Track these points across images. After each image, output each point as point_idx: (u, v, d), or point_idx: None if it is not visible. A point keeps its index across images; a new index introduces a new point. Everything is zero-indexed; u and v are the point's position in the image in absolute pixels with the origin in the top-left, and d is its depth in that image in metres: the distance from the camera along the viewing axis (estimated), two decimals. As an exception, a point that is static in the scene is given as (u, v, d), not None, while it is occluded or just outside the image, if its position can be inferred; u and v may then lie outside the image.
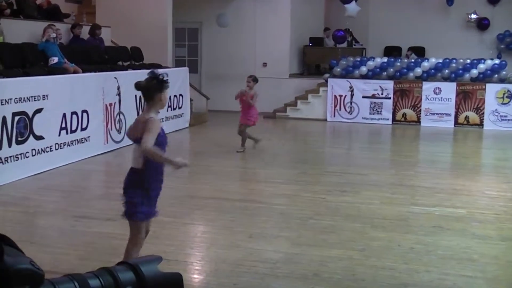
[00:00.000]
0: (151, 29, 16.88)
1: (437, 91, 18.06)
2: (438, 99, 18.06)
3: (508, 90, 17.80)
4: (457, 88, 18.01)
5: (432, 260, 6.29)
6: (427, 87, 18.13)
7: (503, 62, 18.67)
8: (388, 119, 18.29)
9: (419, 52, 21.65)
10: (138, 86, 5.25)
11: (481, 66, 18.36)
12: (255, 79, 12.53)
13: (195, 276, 5.97)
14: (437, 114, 18.05)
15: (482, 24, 22.48)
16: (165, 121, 15.19)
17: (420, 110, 18.10)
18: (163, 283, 1.63)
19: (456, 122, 17.92)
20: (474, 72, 18.26)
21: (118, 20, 16.78)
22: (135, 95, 13.74)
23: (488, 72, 18.30)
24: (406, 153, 13.84)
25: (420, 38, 21.93)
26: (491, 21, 22.36)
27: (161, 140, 5.15)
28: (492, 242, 7.07)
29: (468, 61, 18.64)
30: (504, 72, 18.31)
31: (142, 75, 14.15)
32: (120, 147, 12.74)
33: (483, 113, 17.88)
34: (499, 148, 15.24)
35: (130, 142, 12.33)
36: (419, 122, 18.08)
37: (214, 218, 8.01)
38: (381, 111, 18.31)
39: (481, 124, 17.85)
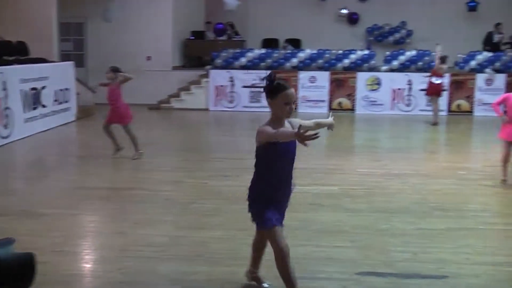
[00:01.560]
0: (36, 23, 16.30)
1: (312, 79, 18.44)
2: (313, 87, 18.45)
3: (377, 78, 18.44)
4: (331, 77, 18.48)
5: (307, 235, 6.39)
6: (303, 76, 18.47)
7: (372, 53, 19.34)
8: (266, 107, 18.40)
9: (295, 43, 21.99)
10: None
11: (352, 56, 18.95)
12: (114, 69, 10.76)
13: (82, 265, 5.79)
14: (313, 101, 18.43)
15: (352, 19, 23.11)
16: (52, 115, 14.72)
17: (297, 98, 18.40)
18: (15, 262, 1.55)
19: (330, 108, 18.36)
20: (346, 62, 18.80)
21: (2, 14, 16.08)
22: (20, 90, 13.21)
23: (359, 61, 18.89)
24: (284, 137, 13.97)
25: (296, 31, 22.26)
26: (361, 16, 23.03)
27: (281, 148, 4.39)
28: (363, 214, 7.28)
29: (340, 52, 19.15)
30: (373, 62, 18.98)
31: (27, 69, 13.82)
32: (8, 142, 12.23)
33: (355, 98, 18.43)
34: (370, 130, 15.75)
35: (19, 136, 11.78)
36: (296, 109, 18.34)
37: (101, 208, 7.81)
38: (260, 100, 18.48)
39: (353, 109, 18.39)
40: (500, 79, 18.56)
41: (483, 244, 6.34)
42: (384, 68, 18.82)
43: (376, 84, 18.46)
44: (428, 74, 16.69)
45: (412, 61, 18.93)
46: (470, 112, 18.60)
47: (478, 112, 18.47)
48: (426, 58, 18.96)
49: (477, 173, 10.02)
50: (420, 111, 18.22)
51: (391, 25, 22.96)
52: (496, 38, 20.24)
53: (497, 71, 18.75)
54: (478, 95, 18.58)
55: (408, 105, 18.45)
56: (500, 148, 9.29)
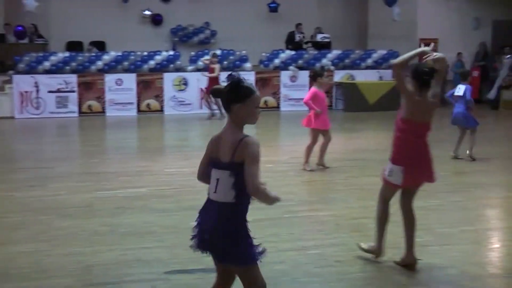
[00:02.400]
0: None
1: (119, 82, 18.24)
2: (121, 89, 18.26)
3: (184, 78, 18.65)
4: (137, 79, 18.40)
5: (115, 239, 6.31)
6: (109, 79, 18.23)
7: (177, 53, 19.49)
8: (74, 112, 18.03)
9: (100, 46, 21.59)
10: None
11: (158, 58, 18.98)
12: None
13: None
14: (121, 103, 18.24)
15: (156, 20, 23.17)
16: None
17: (105, 101, 18.13)
18: None
19: (139, 110, 18.33)
20: (152, 63, 18.80)
21: None
22: None
23: (165, 62, 18.95)
24: (93, 142, 13.73)
25: (100, 33, 21.81)
26: (164, 17, 23.13)
27: None
28: (171, 213, 7.34)
29: (146, 53, 19.10)
30: (179, 62, 19.13)
31: None
32: None
33: (163, 99, 18.50)
34: (179, 130, 15.92)
35: None
36: (104, 112, 18.12)
37: None
38: (67, 105, 17.97)
39: (162, 110, 18.45)
40: (304, 76, 19.53)
41: (288, 231, 6.64)
42: (190, 68, 19.04)
43: (184, 84, 18.65)
44: (207, 73, 17.09)
45: (218, 60, 19.28)
46: (277, 107, 19.36)
47: (284, 107, 19.35)
48: (231, 57, 19.45)
49: (284, 165, 10.48)
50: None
51: (195, 25, 23.32)
52: (298, 37, 21.25)
53: (300, 68, 19.72)
54: (283, 91, 19.44)
55: (216, 103, 18.80)
56: (308, 138, 9.88)
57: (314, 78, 10.07)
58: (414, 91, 5.31)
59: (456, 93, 10.92)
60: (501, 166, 10.71)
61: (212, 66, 16.84)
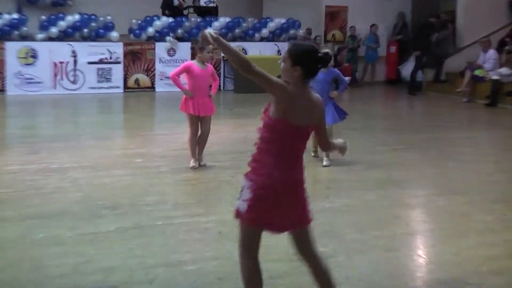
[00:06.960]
0: None
1: None
2: None
3: (32, 49, 18.14)
4: (-31, 48, 17.86)
5: None
6: None
7: (24, 17, 18.91)
8: None
9: None
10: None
11: (-1, 21, 18.39)
12: None
13: None
14: None
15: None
16: None
17: None
18: None
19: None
20: (-11, 28, 18.25)
21: None
22: None
23: (7, 28, 18.37)
24: None
25: None
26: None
27: None
28: (11, 224, 7.11)
29: (-19, 16, 18.51)
30: (25, 28, 18.58)
31: None
32: None
33: (5, 76, 17.97)
34: (26, 115, 15.49)
35: None
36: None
37: None
38: None
39: (3, 90, 17.95)
40: (184, 48, 19.53)
41: (160, 242, 6.61)
42: (40, 36, 18.57)
43: (32, 56, 18.20)
44: None
45: (75, 27, 18.95)
46: (151, 88, 19.28)
47: (161, 87, 19.27)
48: (93, 24, 19.10)
49: (157, 159, 10.45)
50: (90, 88, 18.50)
51: (46, -17, 22.86)
52: (176, 1, 21.11)
53: (180, 39, 19.68)
54: (159, 68, 19.35)
55: (74, 82, 18.54)
56: (187, 126, 9.71)
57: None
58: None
59: None
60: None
61: None
